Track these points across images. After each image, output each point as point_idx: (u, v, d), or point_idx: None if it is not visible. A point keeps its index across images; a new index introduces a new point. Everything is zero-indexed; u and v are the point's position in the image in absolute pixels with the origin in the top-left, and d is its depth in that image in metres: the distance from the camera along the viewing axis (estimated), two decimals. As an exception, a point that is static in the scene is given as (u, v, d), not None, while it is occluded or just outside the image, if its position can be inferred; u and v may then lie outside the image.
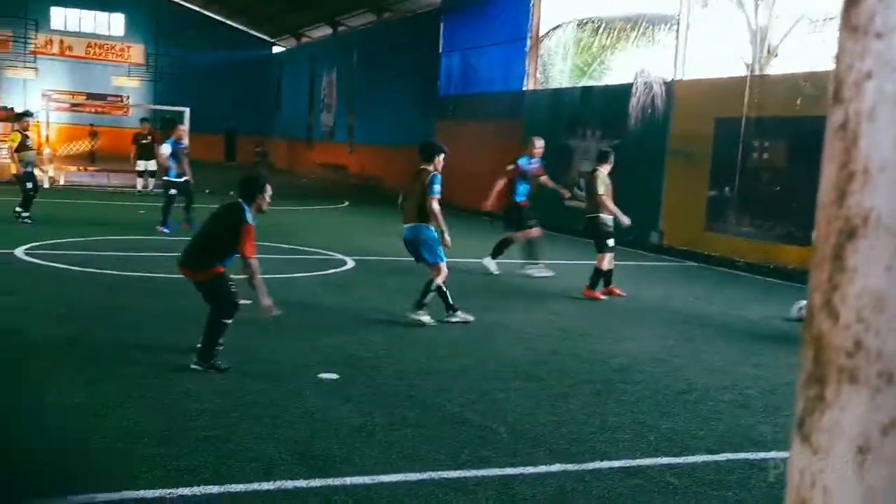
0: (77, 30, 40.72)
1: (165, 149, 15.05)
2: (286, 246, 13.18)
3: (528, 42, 20.48)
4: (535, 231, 11.96)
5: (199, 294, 6.49)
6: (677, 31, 16.02)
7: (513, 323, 8.74)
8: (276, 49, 44.28)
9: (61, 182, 23.09)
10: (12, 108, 27.70)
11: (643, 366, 7.20)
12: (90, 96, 38.45)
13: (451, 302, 8.44)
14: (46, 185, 20.24)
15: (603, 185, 10.37)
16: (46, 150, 24.89)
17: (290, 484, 4.39)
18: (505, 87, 21.44)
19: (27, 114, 16.60)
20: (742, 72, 14.77)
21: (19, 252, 11.30)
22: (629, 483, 4.62)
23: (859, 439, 0.78)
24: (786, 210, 12.97)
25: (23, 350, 6.73)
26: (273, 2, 35.65)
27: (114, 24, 41.31)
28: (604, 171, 10.51)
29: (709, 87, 15.08)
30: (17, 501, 4.11)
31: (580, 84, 20.33)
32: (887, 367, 0.75)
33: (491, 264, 12.00)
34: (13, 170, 15.44)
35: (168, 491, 4.22)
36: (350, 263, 12.16)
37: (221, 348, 6.34)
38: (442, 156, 8.49)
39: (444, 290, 8.38)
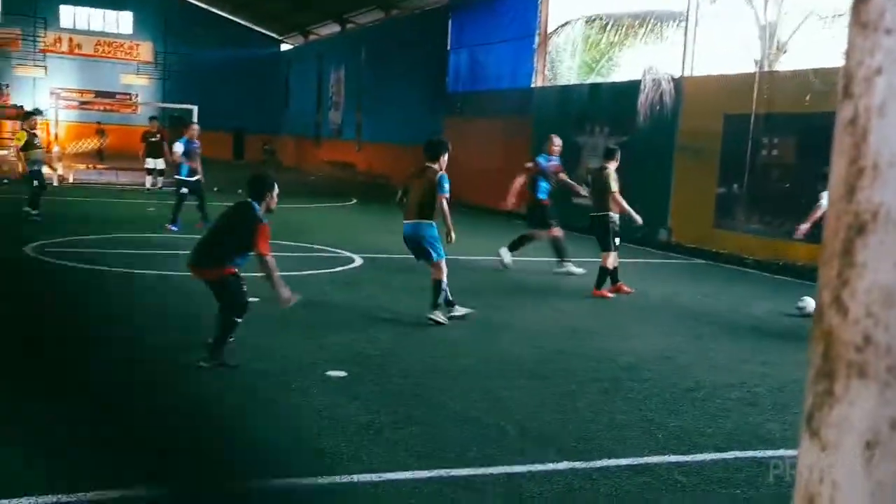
0: (86, 28, 40.88)
1: (178, 147, 15.08)
2: (294, 244, 13.20)
3: (537, 39, 20.47)
4: (557, 230, 11.94)
5: (208, 292, 6.51)
6: (686, 27, 15.98)
7: (520, 321, 8.74)
8: (284, 47, 44.35)
9: (70, 180, 23.18)
10: (22, 107, 27.80)
11: (651, 364, 7.18)
12: (99, 94, 38.56)
13: (451, 298, 8.48)
14: (56, 184, 20.33)
15: (616, 183, 10.35)
16: (56, 149, 25.00)
17: (297, 481, 4.40)
18: (513, 84, 21.43)
19: (35, 112, 16.68)
20: (751, 68, 14.73)
21: (28, 250, 11.36)
22: (637, 481, 4.61)
23: (868, 434, 0.78)
24: (795, 207, 12.92)
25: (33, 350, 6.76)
26: (281, 1, 35.69)
27: (122, 22, 41.45)
28: (612, 167, 10.49)
29: (717, 83, 15.03)
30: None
31: (588, 81, 20.31)
32: (896, 362, 0.75)
33: (507, 256, 12.01)
34: (19, 168, 15.51)
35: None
36: (358, 261, 12.18)
37: (231, 346, 6.36)
38: (447, 154, 8.52)
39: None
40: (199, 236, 6.95)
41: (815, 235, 9.57)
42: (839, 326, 0.81)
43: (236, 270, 6.39)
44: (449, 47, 24.73)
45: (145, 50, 41.56)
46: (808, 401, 0.83)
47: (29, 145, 15.18)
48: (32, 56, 38.24)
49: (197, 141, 15.15)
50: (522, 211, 12.43)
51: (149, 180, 22.51)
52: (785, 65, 14.53)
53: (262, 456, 4.67)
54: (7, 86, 36.16)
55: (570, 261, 11.95)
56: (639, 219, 10.42)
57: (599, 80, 20.39)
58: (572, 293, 10.53)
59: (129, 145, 30.83)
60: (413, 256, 8.70)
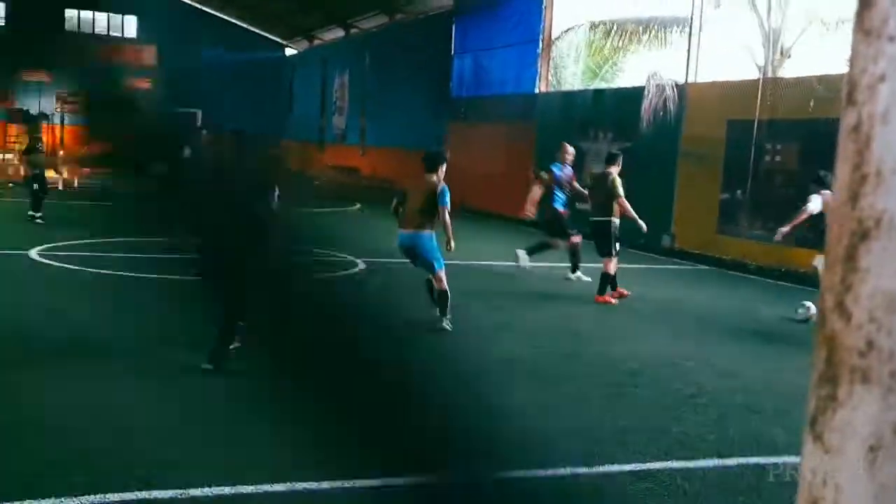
0: (90, 32, 41.01)
1: (188, 153, 15.11)
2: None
3: (541, 44, 20.49)
4: (577, 238, 11.87)
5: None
6: (689, 33, 15.98)
7: (524, 326, 8.74)
8: (288, 51, 44.43)
9: (75, 184, 23.21)
10: (27, 111, 27.87)
11: (654, 369, 7.18)
12: (104, 98, 38.68)
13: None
14: (60, 188, 20.37)
15: (621, 189, 10.35)
16: (60, 153, 25.03)
17: (300, 486, 4.40)
18: (517, 90, 21.44)
19: (41, 116, 16.72)
20: (755, 74, 14.74)
21: (33, 253, 11.39)
22: (640, 487, 4.61)
23: (871, 438, 0.78)
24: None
25: (26, 351, 6.78)
26: (285, 4, 35.77)
27: (127, 25, 41.58)
28: (615, 172, 10.50)
29: (721, 89, 15.04)
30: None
31: (592, 86, 20.33)
32: (899, 367, 0.76)
33: (524, 259, 11.95)
34: (21, 172, 15.56)
35: (180, 491, 4.25)
36: (360, 265, 12.19)
37: (233, 349, 6.37)
38: (445, 165, 8.59)
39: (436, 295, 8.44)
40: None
41: (816, 241, 9.56)
42: (842, 331, 0.81)
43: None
44: (453, 52, 24.77)
45: (149, 54, 41.67)
46: (811, 405, 0.83)
47: (31, 150, 15.24)
48: (37, 60, 38.38)
49: (204, 146, 15.16)
50: (536, 218, 12.38)
51: (153, 184, 22.51)
52: (789, 71, 14.54)
53: (265, 460, 4.66)
54: (13, 90, 36.28)
55: (579, 270, 11.92)
56: (643, 225, 10.42)
57: (603, 85, 20.40)
58: (576, 298, 10.53)
59: (134, 149, 30.84)
60: (409, 261, 8.73)
